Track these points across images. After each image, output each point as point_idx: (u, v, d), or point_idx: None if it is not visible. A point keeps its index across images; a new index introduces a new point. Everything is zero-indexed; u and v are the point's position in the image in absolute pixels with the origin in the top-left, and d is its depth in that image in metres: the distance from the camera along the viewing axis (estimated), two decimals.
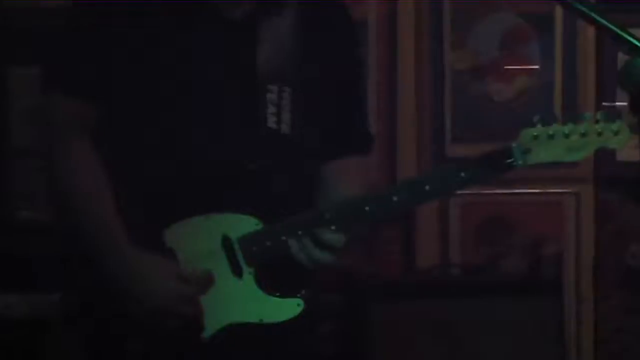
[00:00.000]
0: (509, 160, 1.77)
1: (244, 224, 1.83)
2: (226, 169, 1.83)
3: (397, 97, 3.18)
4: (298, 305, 1.82)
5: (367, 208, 1.81)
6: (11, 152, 3.09)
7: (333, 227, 1.80)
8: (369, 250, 3.20)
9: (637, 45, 1.51)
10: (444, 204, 3.23)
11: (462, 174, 1.78)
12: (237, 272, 1.83)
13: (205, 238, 1.83)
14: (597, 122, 1.76)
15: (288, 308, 1.82)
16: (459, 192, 3.12)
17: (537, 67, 3.17)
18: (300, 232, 1.81)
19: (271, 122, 1.84)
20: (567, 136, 1.76)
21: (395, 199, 1.80)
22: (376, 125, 3.04)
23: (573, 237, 3.25)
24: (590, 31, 3.15)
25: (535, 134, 1.76)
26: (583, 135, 1.76)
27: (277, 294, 1.83)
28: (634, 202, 3.20)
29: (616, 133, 1.76)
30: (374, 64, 3.13)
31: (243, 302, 1.82)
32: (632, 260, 3.20)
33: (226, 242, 1.83)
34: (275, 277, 1.83)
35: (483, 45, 3.17)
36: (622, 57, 1.54)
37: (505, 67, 3.17)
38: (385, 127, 3.16)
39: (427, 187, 1.80)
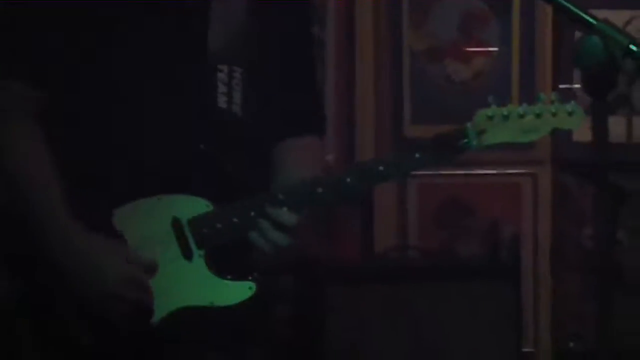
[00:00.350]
0: (464, 141, 1.75)
1: (194, 206, 1.79)
2: (176, 150, 1.79)
3: (356, 78, 3.17)
4: (250, 288, 1.80)
5: (320, 190, 1.78)
6: None
7: (285, 209, 1.77)
8: (326, 233, 3.19)
9: (591, 23, 1.50)
10: (401, 186, 3.22)
11: (417, 155, 1.77)
12: (187, 254, 1.80)
13: (154, 220, 1.79)
14: (551, 102, 1.76)
15: (239, 291, 1.79)
16: (414, 173, 3.16)
17: (495, 48, 3.17)
18: (252, 214, 1.78)
19: (221, 102, 1.82)
20: (521, 117, 1.75)
21: (348, 180, 1.78)
22: (334, 107, 3.03)
23: (530, 219, 3.26)
24: (548, 13, 3.16)
25: (489, 114, 1.75)
26: (538, 115, 1.75)
27: (229, 277, 1.80)
28: (590, 183, 3.21)
29: (570, 114, 1.75)
30: (332, 45, 3.12)
31: (193, 285, 1.79)
32: (588, 242, 3.21)
33: (176, 224, 1.79)
34: (227, 260, 1.80)
35: (441, 26, 3.16)
36: (579, 38, 1.54)
37: (464, 48, 3.16)
38: (344, 109, 3.15)
39: (380, 168, 1.78)
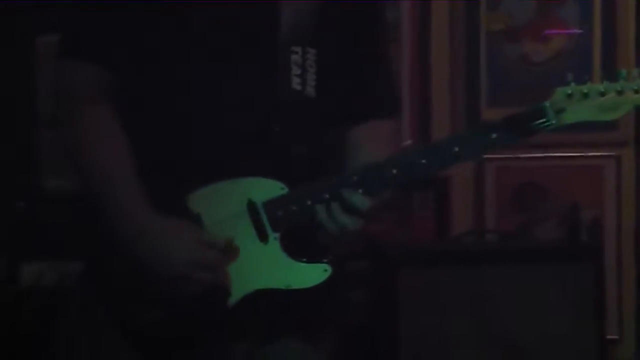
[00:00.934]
0: (542, 120, 1.71)
1: (269, 188, 1.78)
2: (251, 133, 1.79)
3: (431, 60, 3.13)
4: (325, 270, 1.78)
5: (394, 171, 1.76)
6: (38, 121, 3.09)
7: (360, 191, 1.76)
8: (401, 217, 3.16)
9: None
10: (479, 168, 3.18)
11: (493, 135, 1.73)
12: (263, 237, 1.79)
13: (230, 203, 1.78)
14: (633, 79, 1.70)
15: (315, 273, 1.78)
16: (492, 156, 3.12)
17: (574, 27, 3.10)
18: (326, 196, 1.77)
19: (295, 83, 1.80)
20: (602, 94, 1.70)
21: (423, 161, 1.75)
22: (409, 90, 3.00)
23: (613, 202, 3.19)
24: None
25: (569, 92, 1.70)
26: (619, 93, 1.70)
27: (304, 260, 1.79)
28: None
29: None
30: (407, 27, 3.08)
31: (269, 268, 1.78)
32: None
33: (251, 207, 1.79)
34: (302, 242, 1.79)
35: (519, 6, 3.10)
36: None
37: (542, 28, 3.10)
38: (419, 92, 3.12)
39: (456, 149, 1.75)
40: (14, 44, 3.11)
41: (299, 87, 1.80)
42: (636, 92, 1.70)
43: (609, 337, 3.12)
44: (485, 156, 3.15)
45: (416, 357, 2.90)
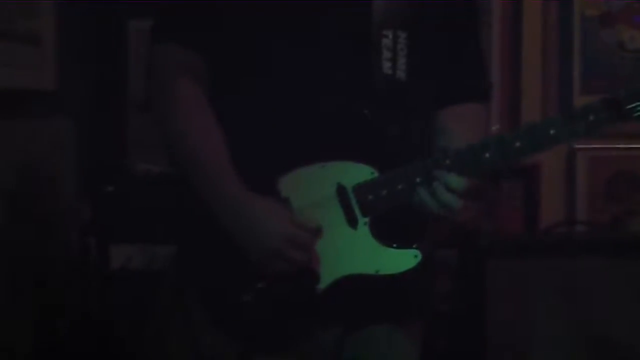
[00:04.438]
0: (637, 105, 1.65)
1: (359, 173, 1.77)
2: (341, 117, 1.77)
3: (522, 46, 3.07)
4: (415, 256, 1.76)
5: (487, 155, 1.72)
6: (129, 105, 3.13)
7: (453, 174, 1.72)
8: (490, 206, 3.12)
9: None
10: (570, 159, 3.11)
11: (591, 117, 1.68)
12: (352, 222, 1.78)
13: (319, 187, 1.78)
14: None
15: (405, 259, 1.76)
16: (584, 144, 3.05)
17: None
18: (418, 180, 1.74)
19: (386, 67, 1.78)
20: None
21: (517, 144, 1.71)
22: (500, 76, 2.94)
23: None
24: None
25: None
26: None
27: (394, 245, 1.77)
28: None
29: None
30: (498, 11, 3.03)
31: (358, 252, 1.77)
32: None
33: (341, 191, 1.77)
34: (391, 228, 1.77)
35: None
36: None
37: (638, 14, 3.01)
38: (510, 78, 3.06)
39: (551, 132, 1.70)
40: (107, 29, 3.15)
41: (389, 71, 1.78)
42: None
43: None
44: (578, 146, 3.09)
45: (503, 348, 2.86)
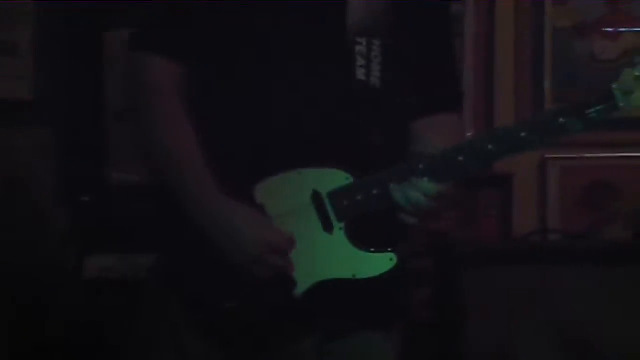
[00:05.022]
0: (611, 103, 1.68)
1: (334, 179, 1.79)
2: (315, 123, 1.79)
3: (495, 57, 3.10)
4: (391, 259, 1.78)
5: (460, 158, 1.75)
6: (107, 115, 3.13)
7: (426, 179, 1.75)
8: (465, 216, 3.14)
9: None
10: (543, 167, 3.14)
11: (561, 120, 1.71)
12: (328, 227, 1.79)
13: (295, 194, 1.79)
14: None
15: (381, 263, 1.78)
16: (557, 156, 3.07)
17: None
18: (393, 185, 1.76)
19: (360, 74, 1.80)
20: None
21: (490, 147, 1.74)
22: (473, 85, 2.97)
23: None
24: None
25: (637, 73, 1.68)
26: None
27: (370, 249, 1.79)
28: None
29: None
30: (472, 21, 3.06)
31: (335, 257, 1.78)
32: None
33: (316, 197, 1.79)
34: (367, 232, 1.79)
35: (587, 2, 3.06)
36: None
37: (611, 24, 3.05)
38: (483, 87, 3.09)
39: (523, 135, 1.73)
40: (84, 39, 3.16)
41: (363, 78, 1.80)
42: None
43: None
44: (550, 156, 3.12)
45: (480, 356, 2.88)
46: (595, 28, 3.08)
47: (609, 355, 2.87)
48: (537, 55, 3.10)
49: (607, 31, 3.06)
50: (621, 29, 3.05)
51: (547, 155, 3.14)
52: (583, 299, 2.86)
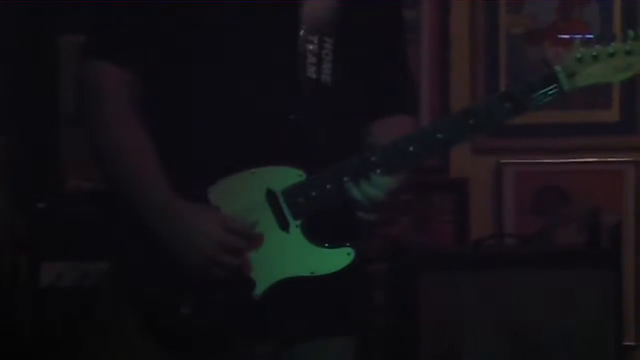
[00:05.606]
0: (555, 85, 1.72)
1: (287, 176, 1.79)
2: (267, 122, 1.79)
3: (450, 62, 3.13)
4: (348, 254, 1.78)
5: (411, 148, 1.76)
6: (60, 120, 3.11)
7: (379, 171, 1.76)
8: (420, 220, 3.16)
9: None
10: (498, 172, 3.17)
11: (507, 105, 1.73)
12: (284, 225, 1.79)
13: (249, 193, 1.79)
14: None
15: (339, 258, 1.78)
16: (513, 162, 3.08)
17: (596, 30, 3.10)
18: (346, 179, 1.77)
19: (311, 72, 1.81)
20: (611, 55, 1.71)
21: (439, 136, 1.76)
22: (429, 90, 3.00)
23: (632, 207, 3.17)
24: None
25: (578, 56, 1.71)
26: (628, 53, 1.71)
27: (326, 245, 1.79)
28: None
29: None
30: (427, 28, 3.08)
31: (292, 255, 1.78)
32: None
33: (270, 196, 1.79)
34: (323, 228, 1.79)
35: (540, 8, 3.10)
36: None
37: (563, 30, 3.10)
38: (438, 92, 3.11)
39: (470, 121, 1.75)
40: (37, 44, 3.14)
41: (314, 76, 1.80)
42: None
43: (626, 343, 3.10)
44: (505, 161, 3.15)
45: (435, 359, 2.89)
46: (548, 34, 3.12)
47: (562, 356, 2.90)
48: (491, 62, 3.13)
49: (559, 37, 3.10)
50: (573, 35, 3.09)
51: (502, 160, 3.17)
52: (536, 302, 2.89)
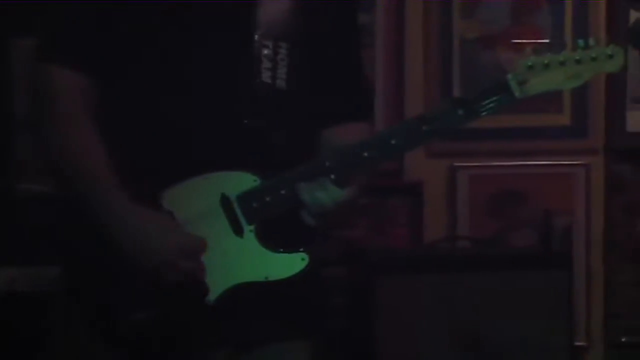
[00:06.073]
0: (507, 93, 1.75)
1: (241, 182, 1.79)
2: (222, 127, 1.80)
3: (405, 67, 3.15)
4: (303, 259, 1.79)
5: (365, 154, 1.78)
6: (13, 123, 3.08)
7: (333, 176, 1.77)
8: (376, 224, 3.18)
9: None
10: (452, 175, 3.20)
11: (460, 111, 1.76)
12: (238, 231, 1.80)
13: (203, 198, 1.79)
14: (591, 47, 1.75)
15: (293, 263, 1.79)
16: (465, 165, 3.12)
17: (548, 35, 3.14)
18: (300, 184, 1.78)
19: (266, 77, 1.81)
20: (562, 64, 1.75)
21: (393, 142, 1.78)
22: (383, 96, 3.01)
23: (583, 209, 3.22)
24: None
25: (529, 64, 1.75)
26: (578, 61, 1.75)
27: (281, 250, 1.80)
28: None
29: (611, 56, 1.75)
30: (381, 31, 3.10)
31: (246, 261, 1.78)
32: None
33: (225, 201, 1.79)
34: (278, 233, 1.80)
35: (493, 14, 3.14)
36: (636, 19, 1.53)
37: (515, 36, 3.13)
38: (393, 98, 3.13)
39: (424, 127, 1.77)
40: None
41: (269, 80, 1.81)
42: (594, 59, 1.75)
43: (578, 343, 3.15)
44: (459, 164, 3.18)
45: None
46: (501, 40, 3.15)
47: (514, 357, 2.93)
48: (445, 66, 3.16)
49: (511, 42, 3.14)
50: (525, 40, 3.14)
51: (456, 164, 3.20)
52: (490, 303, 2.92)
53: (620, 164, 3.21)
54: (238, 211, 1.79)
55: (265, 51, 1.81)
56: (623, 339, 3.23)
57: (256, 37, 1.81)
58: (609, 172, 3.22)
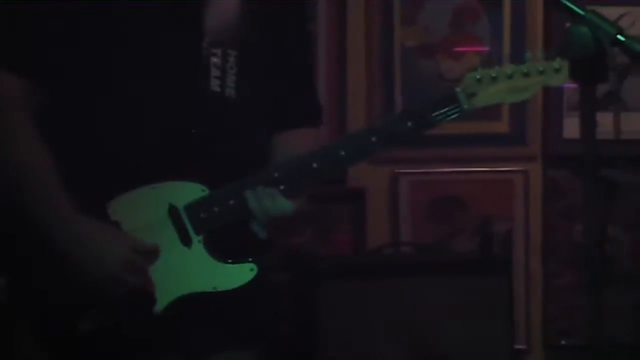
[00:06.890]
0: (455, 105, 1.78)
1: (189, 192, 1.79)
2: (170, 136, 1.79)
3: (347, 73, 3.17)
4: (251, 270, 1.80)
5: (314, 165, 1.79)
6: None
7: (282, 187, 1.78)
8: (319, 231, 3.19)
9: (580, 13, 1.54)
10: (394, 181, 3.23)
11: (409, 124, 1.79)
12: (186, 241, 1.79)
13: (151, 209, 1.79)
14: (538, 61, 1.79)
15: (241, 273, 1.79)
16: (405, 171, 3.15)
17: (487, 44, 3.18)
18: (248, 194, 1.78)
19: (214, 85, 1.81)
20: (510, 77, 1.79)
21: (342, 153, 1.79)
22: (326, 100, 3.02)
23: (522, 215, 3.27)
24: (539, 7, 3.18)
25: (478, 77, 1.78)
26: (525, 75, 1.79)
27: (229, 260, 1.80)
28: (581, 179, 3.22)
29: (557, 70, 1.78)
30: (324, 39, 3.12)
31: (195, 271, 1.79)
32: (580, 237, 3.22)
33: (172, 211, 1.79)
34: (226, 244, 1.80)
35: (433, 22, 3.17)
36: (567, 28, 1.57)
37: (455, 44, 3.17)
38: (336, 103, 3.15)
39: (373, 139, 1.79)
40: None
41: (217, 89, 1.81)
42: (541, 72, 1.79)
43: (517, 346, 3.20)
44: (401, 170, 3.21)
45: None
46: (441, 48, 3.19)
47: None
48: (387, 74, 3.18)
49: (451, 51, 3.18)
50: (464, 49, 3.18)
51: (397, 170, 3.23)
52: (432, 308, 2.95)
53: (558, 170, 3.27)
54: (186, 221, 1.79)
55: (214, 59, 1.81)
56: (562, 342, 3.28)
57: (204, 45, 1.81)
58: (546, 178, 3.28)
